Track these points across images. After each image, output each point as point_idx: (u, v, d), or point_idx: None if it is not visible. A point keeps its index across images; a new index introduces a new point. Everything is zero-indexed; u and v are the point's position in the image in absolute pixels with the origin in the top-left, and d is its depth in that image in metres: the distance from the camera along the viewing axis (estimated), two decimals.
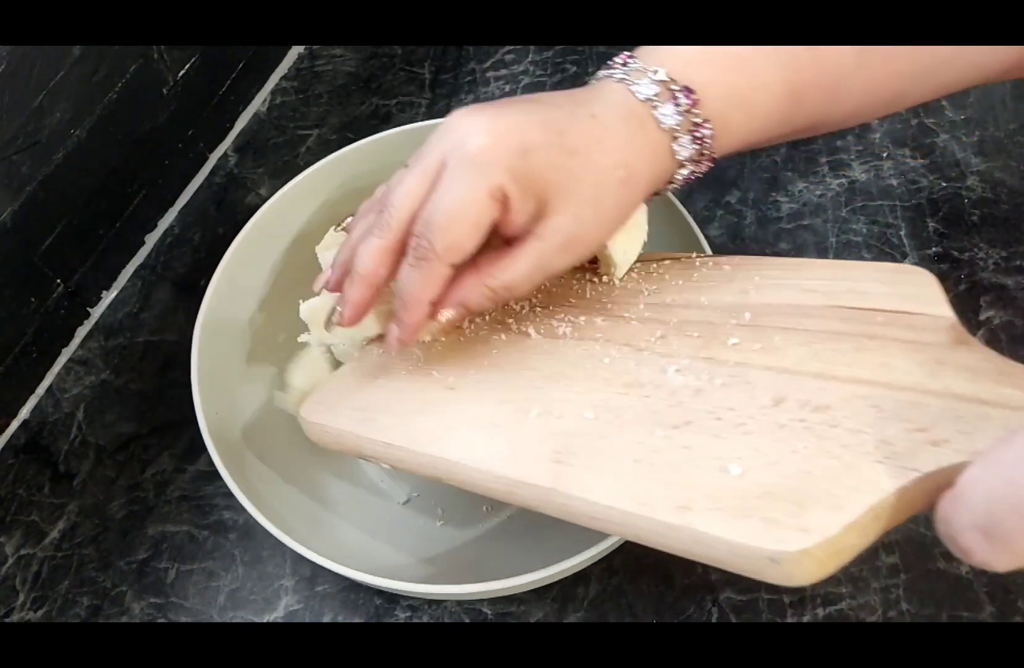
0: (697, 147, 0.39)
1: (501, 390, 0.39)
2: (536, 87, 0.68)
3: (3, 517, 0.54)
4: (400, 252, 0.38)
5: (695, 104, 0.38)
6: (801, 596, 0.49)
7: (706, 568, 0.50)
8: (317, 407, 0.43)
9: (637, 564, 0.50)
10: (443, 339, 0.44)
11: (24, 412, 0.57)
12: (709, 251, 0.49)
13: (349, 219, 0.45)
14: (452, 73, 0.70)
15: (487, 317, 0.45)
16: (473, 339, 0.44)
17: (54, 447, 0.56)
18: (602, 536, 0.41)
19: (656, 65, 0.38)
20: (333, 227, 0.48)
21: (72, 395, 0.58)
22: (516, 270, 0.37)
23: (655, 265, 0.45)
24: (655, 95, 0.37)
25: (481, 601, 0.49)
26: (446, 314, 0.39)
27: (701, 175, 0.41)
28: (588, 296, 0.45)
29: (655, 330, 0.39)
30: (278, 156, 0.67)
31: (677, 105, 0.37)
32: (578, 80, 0.68)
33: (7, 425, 0.57)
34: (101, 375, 0.59)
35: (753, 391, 0.33)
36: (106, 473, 0.55)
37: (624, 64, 0.39)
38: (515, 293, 0.38)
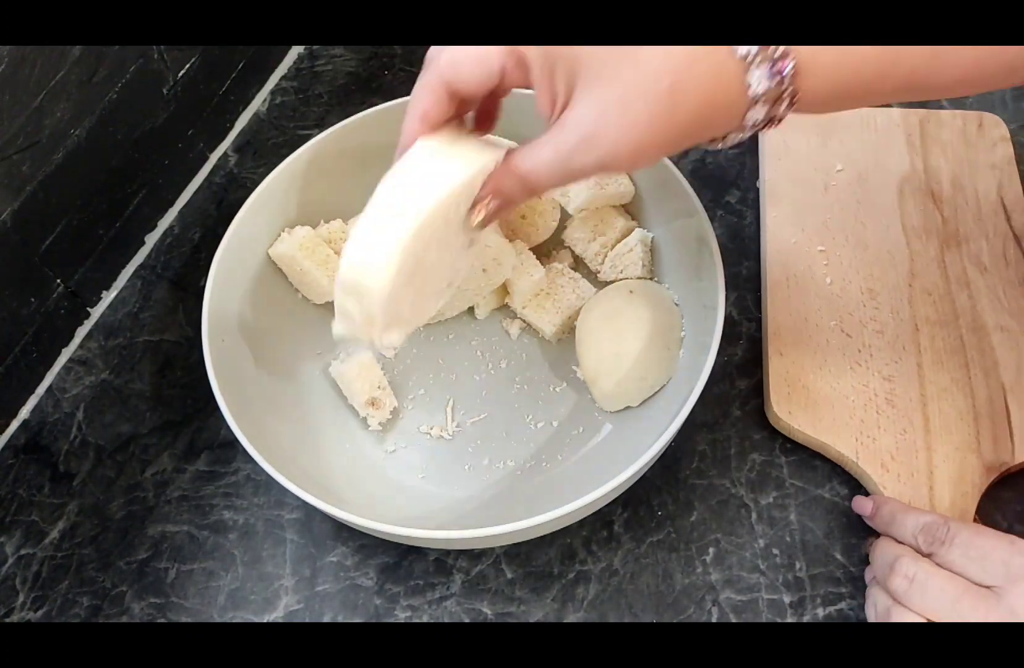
0: (776, 80, 0.33)
1: None
2: None
3: (3, 517, 0.54)
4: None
5: None
6: (801, 596, 0.49)
7: (706, 568, 0.50)
8: None
9: (637, 564, 0.50)
10: None
11: (24, 412, 0.57)
12: (716, 249, 0.49)
13: None
14: None
15: None
16: None
17: (54, 447, 0.56)
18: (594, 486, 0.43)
19: None
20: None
21: (72, 395, 0.58)
22: (537, 157, 0.37)
23: None
24: None
25: (481, 601, 0.49)
26: (489, 204, 0.39)
27: (779, 124, 0.36)
28: None
29: None
30: (278, 156, 0.67)
31: None
32: None
33: (7, 425, 0.57)
34: (101, 375, 0.59)
35: None
36: (106, 473, 0.55)
37: None
38: (540, 183, 0.38)
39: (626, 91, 0.34)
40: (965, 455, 0.50)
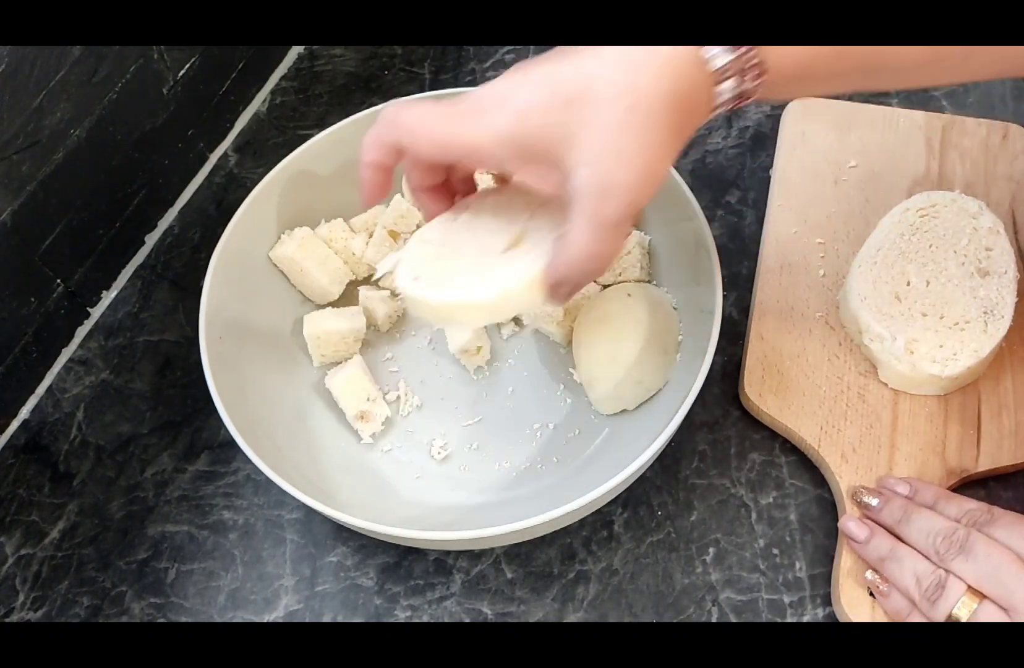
0: (737, 56, 0.35)
1: None
2: None
3: (3, 517, 0.54)
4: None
5: None
6: (801, 596, 0.49)
7: (706, 568, 0.50)
8: None
9: (637, 564, 0.50)
10: None
11: (24, 412, 0.57)
12: (714, 253, 0.49)
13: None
14: (452, 73, 0.70)
15: None
16: None
17: (54, 447, 0.56)
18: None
19: None
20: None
21: (72, 395, 0.58)
22: (575, 246, 0.36)
23: None
24: None
25: (481, 601, 0.49)
26: (569, 291, 0.39)
27: (752, 96, 0.36)
28: None
29: None
30: (278, 156, 0.67)
31: None
32: None
33: (7, 425, 0.57)
34: (101, 375, 0.59)
35: None
36: (106, 473, 0.55)
37: None
38: (605, 260, 0.37)
39: (603, 134, 0.34)
40: (928, 456, 0.50)
